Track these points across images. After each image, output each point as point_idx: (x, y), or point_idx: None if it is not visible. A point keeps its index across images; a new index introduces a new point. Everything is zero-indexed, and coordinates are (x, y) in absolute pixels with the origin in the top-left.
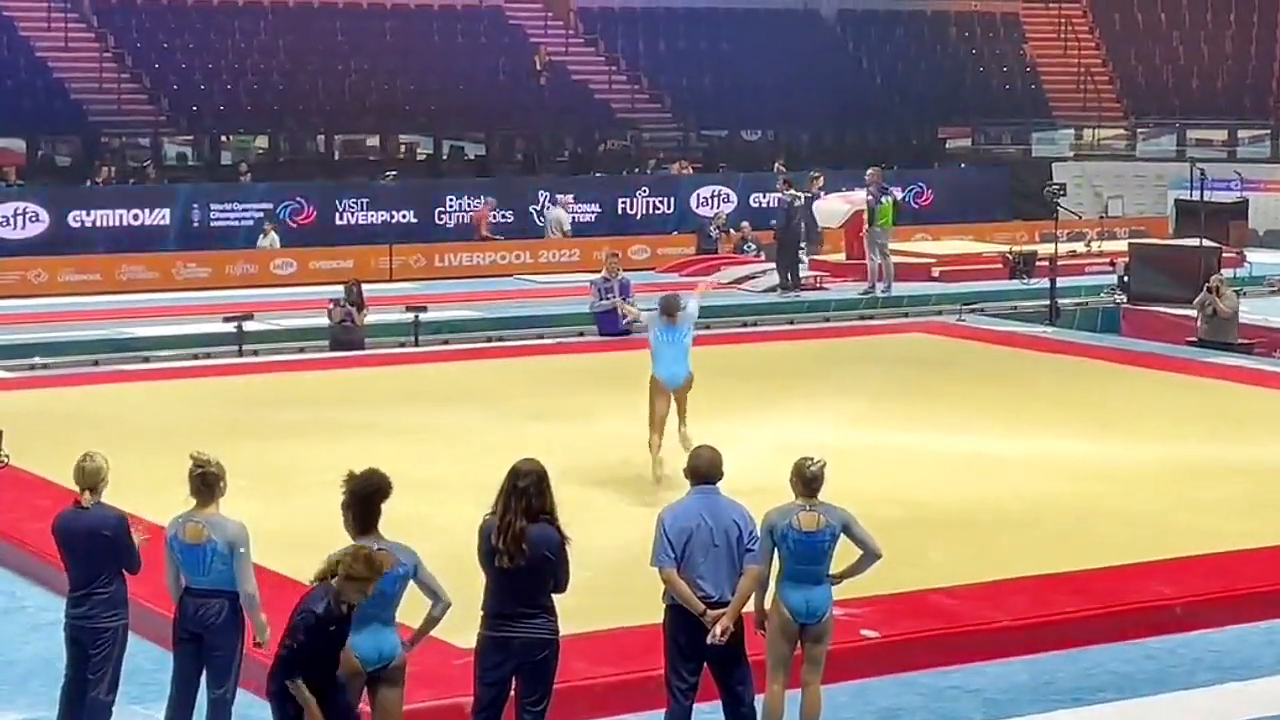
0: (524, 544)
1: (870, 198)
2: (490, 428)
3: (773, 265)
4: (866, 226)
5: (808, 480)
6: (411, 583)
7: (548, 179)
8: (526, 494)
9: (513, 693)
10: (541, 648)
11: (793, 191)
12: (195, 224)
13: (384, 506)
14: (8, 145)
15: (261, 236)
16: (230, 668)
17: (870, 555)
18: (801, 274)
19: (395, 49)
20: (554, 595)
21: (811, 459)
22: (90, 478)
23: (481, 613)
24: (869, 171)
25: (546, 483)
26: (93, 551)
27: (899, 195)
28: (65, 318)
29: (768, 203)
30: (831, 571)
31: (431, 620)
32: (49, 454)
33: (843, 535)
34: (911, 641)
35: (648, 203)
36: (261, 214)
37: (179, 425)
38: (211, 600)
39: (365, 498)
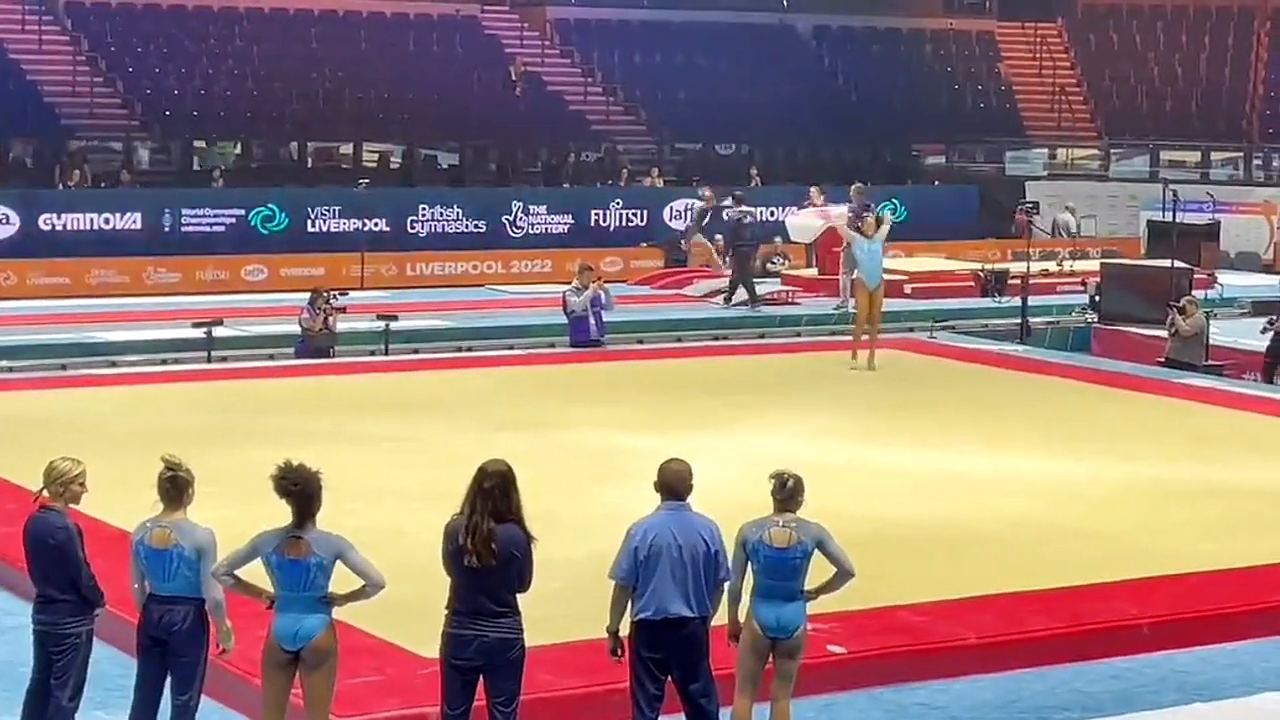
0: (493, 544)
1: (851, 214)
2: (459, 438)
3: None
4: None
5: (781, 494)
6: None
7: (520, 189)
8: (493, 495)
9: (480, 700)
10: (509, 647)
11: (743, 208)
12: (166, 229)
13: (351, 510)
14: None
15: None
16: (194, 675)
17: (843, 573)
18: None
19: (370, 57)
20: (518, 595)
21: (787, 473)
22: (46, 477)
23: (446, 612)
24: (852, 188)
25: (513, 484)
26: (43, 556)
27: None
28: (33, 321)
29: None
30: (806, 587)
31: (362, 594)
32: (14, 458)
33: (816, 551)
34: (878, 658)
35: (621, 214)
36: (234, 219)
37: (146, 430)
38: (176, 606)
39: (308, 495)
